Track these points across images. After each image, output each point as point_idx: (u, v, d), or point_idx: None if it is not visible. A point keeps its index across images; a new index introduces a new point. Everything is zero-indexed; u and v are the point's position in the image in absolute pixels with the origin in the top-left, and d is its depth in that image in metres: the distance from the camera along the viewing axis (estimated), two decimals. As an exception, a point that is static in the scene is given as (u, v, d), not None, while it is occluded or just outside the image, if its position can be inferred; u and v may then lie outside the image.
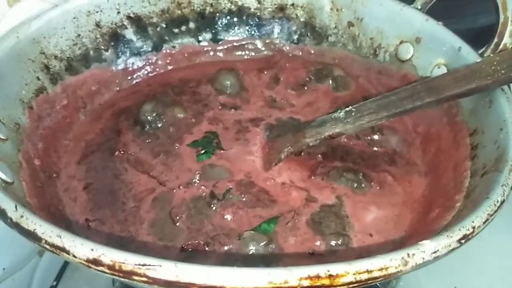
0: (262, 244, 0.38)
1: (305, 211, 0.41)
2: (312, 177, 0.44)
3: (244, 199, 0.41)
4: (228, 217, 0.40)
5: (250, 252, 0.38)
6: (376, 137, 0.48)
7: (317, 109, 0.51)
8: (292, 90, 0.54)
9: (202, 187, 0.42)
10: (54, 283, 0.59)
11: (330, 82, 0.54)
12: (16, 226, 0.28)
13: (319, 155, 0.46)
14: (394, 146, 0.48)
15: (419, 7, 0.50)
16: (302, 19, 0.57)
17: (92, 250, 0.25)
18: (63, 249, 0.25)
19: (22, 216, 0.28)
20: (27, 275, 0.56)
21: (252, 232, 0.38)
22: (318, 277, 0.24)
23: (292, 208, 0.41)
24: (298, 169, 0.45)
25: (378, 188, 0.43)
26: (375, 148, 0.48)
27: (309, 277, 0.24)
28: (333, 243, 0.39)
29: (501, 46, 0.44)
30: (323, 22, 0.56)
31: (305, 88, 0.54)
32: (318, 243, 0.39)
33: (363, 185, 0.43)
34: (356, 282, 0.25)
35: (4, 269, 0.51)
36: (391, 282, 0.51)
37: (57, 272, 0.60)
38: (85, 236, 0.26)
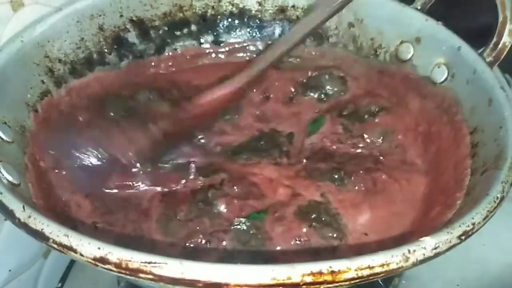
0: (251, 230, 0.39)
1: (292, 203, 0.42)
2: (297, 178, 0.45)
3: (236, 190, 0.43)
4: (222, 207, 0.41)
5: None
6: (358, 140, 0.49)
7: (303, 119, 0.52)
8: (281, 104, 0.54)
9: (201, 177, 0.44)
10: (59, 284, 0.60)
11: (316, 95, 0.54)
12: (24, 226, 0.28)
13: (304, 159, 0.47)
14: (381, 147, 0.49)
15: (419, 7, 0.50)
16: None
17: (99, 248, 0.25)
18: (71, 248, 0.26)
19: (29, 216, 0.28)
20: (32, 276, 0.57)
21: (243, 219, 0.40)
22: (320, 273, 0.25)
23: (279, 201, 0.42)
24: (284, 170, 0.45)
25: (363, 186, 0.44)
26: (358, 150, 0.48)
27: (312, 273, 0.25)
28: (329, 234, 0.40)
29: (500, 45, 0.44)
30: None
31: (293, 101, 0.54)
32: (304, 230, 0.40)
33: (345, 181, 0.44)
34: (358, 278, 0.25)
35: (10, 270, 0.52)
36: (393, 280, 0.51)
37: (62, 274, 0.60)
38: (91, 235, 0.27)
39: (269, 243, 0.39)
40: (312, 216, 0.41)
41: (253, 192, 0.43)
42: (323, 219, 0.41)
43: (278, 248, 0.39)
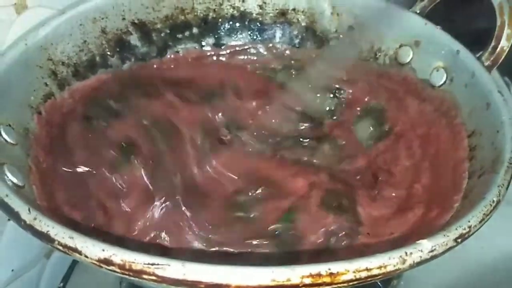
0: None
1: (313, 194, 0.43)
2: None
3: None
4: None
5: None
6: None
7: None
8: None
9: None
10: (61, 284, 0.60)
11: None
12: (30, 228, 0.28)
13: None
14: None
15: (418, 11, 0.51)
16: (303, 24, 0.58)
17: (103, 250, 0.26)
18: (75, 250, 0.26)
19: (35, 219, 0.28)
20: (34, 277, 0.57)
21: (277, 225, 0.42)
22: (319, 275, 0.25)
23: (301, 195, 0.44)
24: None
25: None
26: None
27: (311, 275, 0.25)
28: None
29: (498, 49, 0.45)
30: (324, 26, 0.57)
31: None
32: (330, 219, 0.42)
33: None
34: (356, 279, 0.26)
35: (13, 270, 0.52)
36: (392, 282, 0.52)
37: (63, 274, 0.61)
38: (94, 236, 0.27)
39: (301, 239, 0.41)
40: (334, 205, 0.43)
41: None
42: (343, 204, 0.43)
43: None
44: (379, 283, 0.51)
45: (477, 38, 0.46)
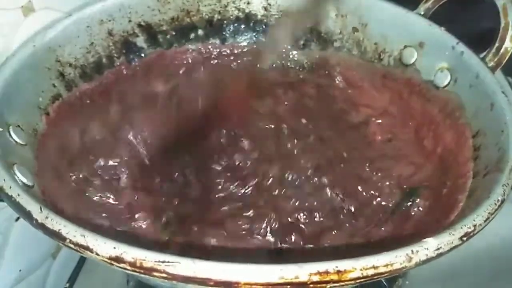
0: None
1: None
2: None
3: None
4: None
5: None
6: None
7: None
8: None
9: None
10: (67, 284, 0.60)
11: None
12: (42, 227, 0.29)
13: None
14: None
15: (422, 13, 0.51)
16: (307, 25, 0.58)
17: (114, 248, 0.26)
18: (87, 248, 0.27)
19: (47, 217, 0.29)
20: (41, 276, 0.58)
21: None
22: (327, 272, 0.25)
23: None
24: None
25: None
26: None
27: (319, 273, 0.25)
28: None
29: (502, 50, 0.45)
30: (328, 28, 0.57)
31: None
32: None
33: None
34: (363, 277, 0.26)
35: (20, 270, 0.53)
36: (397, 280, 0.52)
37: (70, 274, 0.61)
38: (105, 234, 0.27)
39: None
40: None
41: None
42: None
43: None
44: (384, 282, 0.51)
45: (481, 39, 0.47)
